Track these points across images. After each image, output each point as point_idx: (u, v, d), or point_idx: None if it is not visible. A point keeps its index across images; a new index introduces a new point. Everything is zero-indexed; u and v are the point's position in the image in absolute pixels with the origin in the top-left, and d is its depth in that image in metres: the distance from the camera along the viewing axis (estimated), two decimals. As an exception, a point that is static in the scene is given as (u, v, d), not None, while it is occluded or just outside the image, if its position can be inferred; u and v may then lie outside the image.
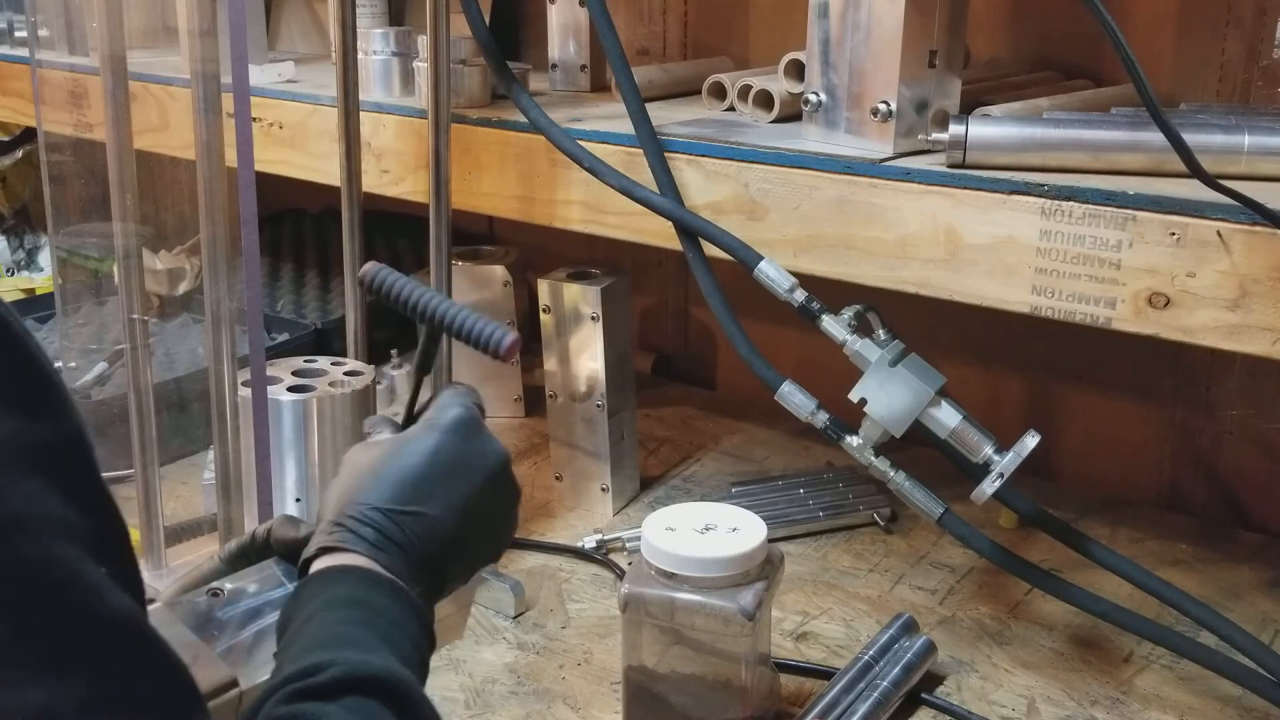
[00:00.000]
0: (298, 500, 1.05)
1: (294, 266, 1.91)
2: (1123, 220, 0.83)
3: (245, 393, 0.94)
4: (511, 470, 0.74)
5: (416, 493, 0.68)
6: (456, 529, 0.69)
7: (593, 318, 1.25)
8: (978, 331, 1.39)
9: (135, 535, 1.11)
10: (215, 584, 0.72)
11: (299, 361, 1.11)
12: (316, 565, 0.66)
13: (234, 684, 0.65)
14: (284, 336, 1.62)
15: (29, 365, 0.45)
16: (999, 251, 0.89)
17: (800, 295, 0.96)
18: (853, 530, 1.28)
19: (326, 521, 0.68)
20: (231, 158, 0.88)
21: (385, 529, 0.66)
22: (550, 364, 1.30)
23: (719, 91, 1.18)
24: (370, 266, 0.75)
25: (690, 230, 1.02)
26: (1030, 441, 0.89)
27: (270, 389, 1.02)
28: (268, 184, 1.07)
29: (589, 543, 1.23)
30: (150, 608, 0.68)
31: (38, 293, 1.89)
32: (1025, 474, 0.91)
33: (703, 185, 1.03)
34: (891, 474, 0.97)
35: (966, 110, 0.98)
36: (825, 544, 1.26)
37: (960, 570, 1.20)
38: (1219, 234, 0.80)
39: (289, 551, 0.73)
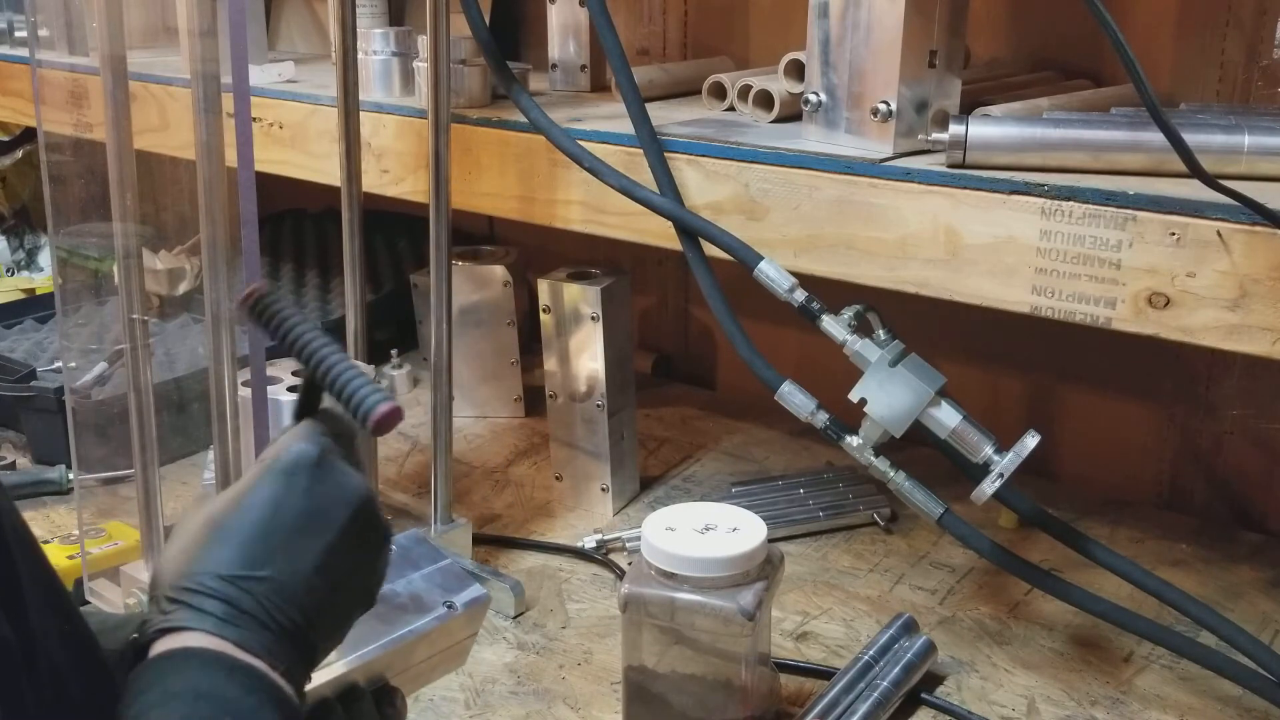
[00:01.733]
0: (298, 500, 1.04)
1: (294, 266, 1.91)
2: (1123, 220, 0.83)
3: (245, 393, 0.94)
4: (376, 506, 0.65)
5: (266, 551, 0.58)
6: (320, 586, 0.60)
7: (593, 318, 1.25)
8: (978, 331, 1.39)
9: (135, 535, 1.11)
10: None
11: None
12: (155, 650, 0.56)
13: None
14: (284, 336, 1.62)
15: None
16: (999, 251, 0.89)
17: (800, 295, 0.96)
18: (853, 530, 1.28)
19: (161, 595, 0.58)
20: (231, 158, 0.88)
21: (234, 599, 0.56)
22: (550, 364, 1.30)
23: (719, 91, 1.18)
24: (259, 287, 0.66)
25: (690, 230, 1.02)
26: (1030, 441, 0.89)
27: (270, 389, 1.02)
28: (268, 184, 1.07)
29: (589, 543, 1.23)
30: None
31: (38, 293, 1.89)
32: (1025, 474, 0.91)
33: (703, 185, 1.03)
34: (891, 474, 0.97)
35: (966, 110, 0.98)
36: (825, 544, 1.26)
37: (960, 570, 1.20)
38: (1219, 234, 0.80)
39: None
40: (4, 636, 0.48)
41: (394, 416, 0.62)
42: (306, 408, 0.68)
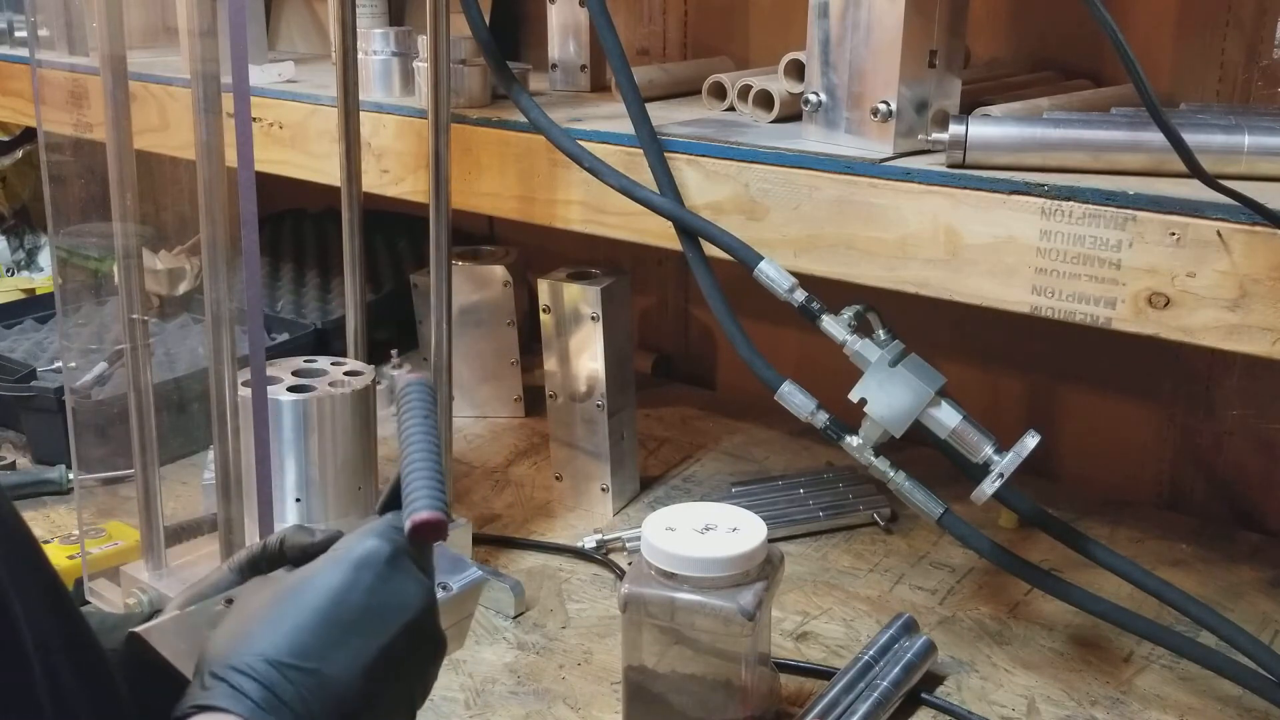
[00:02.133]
0: (298, 500, 1.05)
1: (294, 266, 1.91)
2: (1123, 220, 0.83)
3: (245, 393, 0.94)
4: (435, 617, 0.64)
5: (317, 643, 0.58)
6: (362, 691, 0.58)
7: (593, 318, 1.25)
8: (978, 331, 1.39)
9: (135, 535, 1.11)
10: (229, 593, 0.68)
11: (299, 361, 1.10)
12: None
13: None
14: (284, 336, 1.62)
15: None
16: (999, 251, 0.89)
17: (800, 295, 0.96)
18: (853, 530, 1.28)
19: (206, 670, 0.57)
20: (231, 158, 0.88)
21: (275, 686, 0.55)
22: (550, 364, 1.30)
23: (719, 91, 1.18)
24: (419, 377, 0.67)
25: (690, 230, 1.02)
26: (1030, 441, 0.89)
27: (270, 389, 1.02)
28: (268, 184, 1.07)
29: (589, 543, 1.23)
30: (159, 619, 0.68)
31: (38, 293, 1.89)
32: (1025, 474, 0.91)
33: (703, 185, 1.03)
34: (891, 474, 0.97)
35: (966, 110, 0.98)
36: (825, 544, 1.26)
37: (960, 570, 1.20)
38: (1219, 234, 0.80)
39: (305, 559, 0.68)
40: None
41: (429, 527, 0.61)
42: (392, 503, 0.66)
